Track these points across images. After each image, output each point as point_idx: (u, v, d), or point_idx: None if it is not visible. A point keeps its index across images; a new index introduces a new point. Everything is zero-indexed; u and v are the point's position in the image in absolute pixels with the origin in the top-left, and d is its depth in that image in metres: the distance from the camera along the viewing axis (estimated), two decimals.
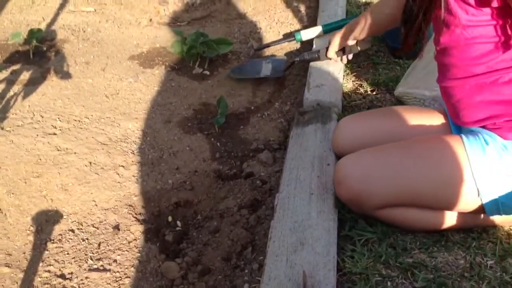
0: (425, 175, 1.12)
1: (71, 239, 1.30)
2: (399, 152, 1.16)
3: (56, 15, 2.54)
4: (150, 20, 2.58)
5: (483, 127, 1.11)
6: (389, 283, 1.09)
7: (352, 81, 1.88)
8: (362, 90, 1.84)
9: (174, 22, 2.59)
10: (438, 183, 1.11)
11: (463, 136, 1.11)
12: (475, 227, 1.21)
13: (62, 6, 2.62)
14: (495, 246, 1.17)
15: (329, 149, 1.46)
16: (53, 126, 1.71)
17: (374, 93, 1.81)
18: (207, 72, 2.10)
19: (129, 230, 1.32)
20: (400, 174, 1.13)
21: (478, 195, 1.09)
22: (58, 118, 1.75)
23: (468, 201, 1.10)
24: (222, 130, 1.73)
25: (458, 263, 1.13)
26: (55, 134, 1.67)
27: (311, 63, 1.98)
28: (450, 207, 1.15)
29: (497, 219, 1.19)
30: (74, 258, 1.24)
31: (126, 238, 1.30)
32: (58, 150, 1.60)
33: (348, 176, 1.17)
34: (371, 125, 1.34)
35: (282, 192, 1.31)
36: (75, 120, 1.75)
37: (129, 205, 1.40)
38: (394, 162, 1.14)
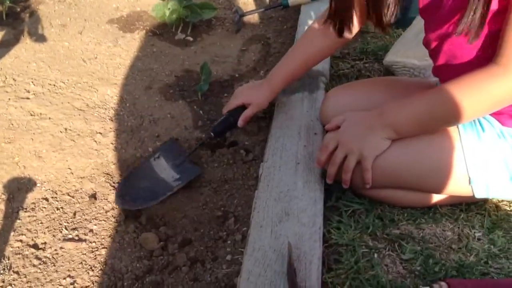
0: (416, 160, 1.06)
1: (44, 207, 1.23)
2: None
3: None
4: None
5: None
6: (375, 255, 1.06)
7: (340, 49, 1.82)
8: (350, 59, 1.79)
9: None
10: (429, 170, 1.07)
11: None
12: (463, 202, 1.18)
13: None
14: (483, 218, 1.15)
15: (316, 118, 1.41)
16: (26, 90, 1.62)
17: (362, 62, 1.76)
18: (190, 38, 2.02)
19: (106, 199, 1.26)
20: (389, 158, 1.06)
21: (469, 182, 1.05)
22: (32, 82, 1.66)
23: (458, 187, 1.07)
24: (205, 97, 1.66)
25: (445, 235, 1.11)
26: (28, 98, 1.59)
27: (299, 31, 1.91)
28: (439, 192, 1.11)
29: None
30: (47, 227, 1.18)
31: (103, 208, 1.24)
32: (32, 115, 1.52)
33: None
34: (360, 97, 1.29)
35: (267, 161, 1.26)
36: (50, 85, 1.66)
37: (107, 174, 1.34)
38: (395, 147, 1.06)
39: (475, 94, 0.93)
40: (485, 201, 1.19)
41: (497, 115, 1.04)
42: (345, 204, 1.17)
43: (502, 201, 1.20)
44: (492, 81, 0.91)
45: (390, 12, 1.06)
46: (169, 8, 2.01)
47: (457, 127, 1.05)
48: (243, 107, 1.35)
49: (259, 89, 1.35)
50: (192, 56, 1.90)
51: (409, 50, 1.61)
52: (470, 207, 1.17)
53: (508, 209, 1.18)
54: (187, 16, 2.01)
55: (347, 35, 1.22)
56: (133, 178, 1.30)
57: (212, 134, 1.35)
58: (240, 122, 1.33)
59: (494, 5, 0.89)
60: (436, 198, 1.13)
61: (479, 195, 1.07)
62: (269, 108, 1.42)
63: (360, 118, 1.09)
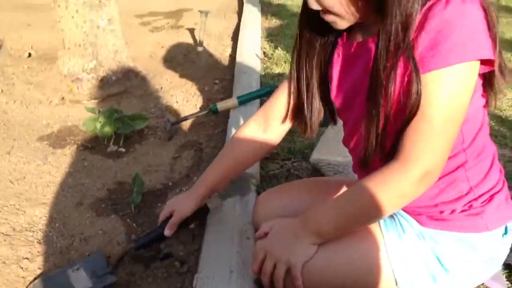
0: (343, 264, 1.08)
1: None
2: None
3: None
4: (63, 98, 2.51)
5: None
6: None
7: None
8: (279, 159, 1.86)
9: (89, 99, 2.53)
10: (356, 273, 1.09)
11: (381, 221, 1.10)
12: None
13: None
14: None
15: (248, 222, 1.43)
16: None
17: (290, 161, 1.84)
18: (123, 149, 2.04)
19: None
20: (317, 264, 1.07)
21: (396, 284, 1.08)
22: None
23: None
24: (138, 209, 1.65)
25: None
26: None
27: (229, 135, 1.99)
28: None
29: None
30: None
31: None
32: None
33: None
34: (290, 200, 1.32)
35: (201, 272, 1.25)
36: None
37: None
38: (322, 250, 1.08)
39: (384, 190, 0.98)
40: None
41: (416, 215, 1.09)
42: None
43: None
44: (395, 177, 0.96)
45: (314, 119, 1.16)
46: (100, 122, 2.04)
47: (380, 229, 1.09)
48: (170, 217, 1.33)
49: (184, 197, 1.35)
50: (125, 168, 1.91)
51: (331, 148, 1.71)
52: None
53: None
54: (118, 128, 2.05)
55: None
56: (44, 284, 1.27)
57: (134, 245, 1.33)
58: (166, 231, 1.31)
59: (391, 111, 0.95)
60: None
61: None
62: (203, 217, 1.42)
63: (286, 225, 1.12)
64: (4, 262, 1.39)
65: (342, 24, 0.99)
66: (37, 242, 1.48)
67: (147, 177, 1.82)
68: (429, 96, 0.89)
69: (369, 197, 0.98)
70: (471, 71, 0.89)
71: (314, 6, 0.96)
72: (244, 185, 1.63)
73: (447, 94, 0.89)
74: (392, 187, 0.96)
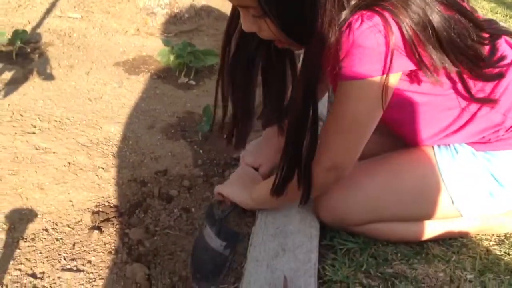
0: (400, 191, 1.13)
1: (44, 238, 1.25)
2: (373, 170, 1.16)
3: (42, 19, 2.52)
4: (138, 30, 2.58)
5: None
6: None
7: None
8: None
9: (162, 33, 2.59)
10: (413, 198, 1.13)
11: (435, 147, 1.13)
12: (455, 235, 1.22)
13: (48, 11, 2.60)
14: (475, 261, 1.18)
15: None
16: (32, 125, 1.67)
17: None
18: (193, 82, 2.09)
19: (105, 231, 1.28)
20: (376, 192, 1.14)
21: (453, 203, 1.10)
22: (38, 118, 1.71)
23: (443, 209, 1.12)
24: (205, 138, 1.71)
25: (438, 276, 1.14)
26: (34, 133, 1.63)
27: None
28: (428, 218, 1.17)
29: (475, 227, 1.21)
30: (46, 257, 1.20)
31: (102, 240, 1.26)
32: (37, 149, 1.56)
33: (326, 202, 1.17)
34: None
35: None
36: (56, 121, 1.71)
37: (107, 207, 1.36)
38: (369, 181, 1.15)
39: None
40: (476, 244, 1.22)
41: (469, 144, 1.12)
42: (340, 242, 1.20)
43: (493, 245, 1.23)
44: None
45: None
46: (173, 54, 2.10)
47: (433, 151, 1.12)
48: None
49: (262, 148, 1.37)
50: (194, 99, 1.96)
51: None
52: (461, 249, 1.20)
53: (498, 253, 1.21)
54: (190, 61, 2.10)
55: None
56: (195, 252, 1.22)
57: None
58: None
59: None
60: (428, 230, 1.18)
61: (465, 213, 1.12)
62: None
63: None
64: (82, 169, 1.50)
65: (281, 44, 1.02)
66: (111, 155, 1.57)
67: (216, 110, 1.87)
68: (339, 99, 0.96)
69: None
70: (378, 85, 0.89)
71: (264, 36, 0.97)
72: None
73: (354, 102, 0.93)
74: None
